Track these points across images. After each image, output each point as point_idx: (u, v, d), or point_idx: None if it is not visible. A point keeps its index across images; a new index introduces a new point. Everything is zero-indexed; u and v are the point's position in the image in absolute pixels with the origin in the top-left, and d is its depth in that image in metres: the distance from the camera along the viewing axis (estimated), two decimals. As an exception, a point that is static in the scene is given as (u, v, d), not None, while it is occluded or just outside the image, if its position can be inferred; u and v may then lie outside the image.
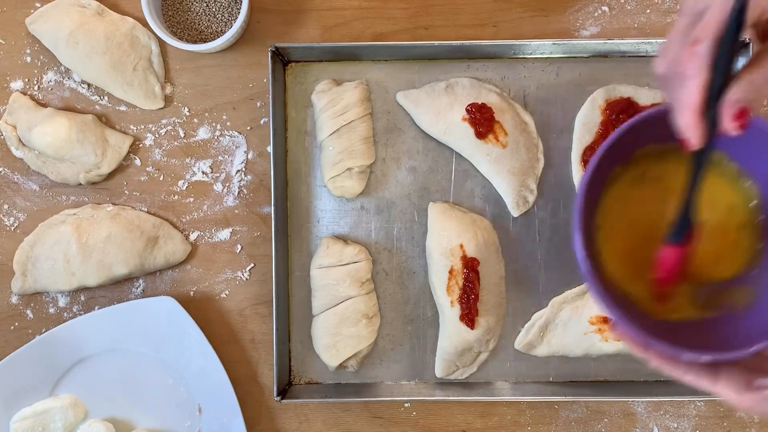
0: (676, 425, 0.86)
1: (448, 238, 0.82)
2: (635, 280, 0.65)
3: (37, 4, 0.87)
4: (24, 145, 0.85)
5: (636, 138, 0.60)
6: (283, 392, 0.83)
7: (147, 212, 0.87)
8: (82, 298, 0.87)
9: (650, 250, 0.63)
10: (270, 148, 0.83)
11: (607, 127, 0.84)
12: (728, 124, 0.49)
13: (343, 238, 0.86)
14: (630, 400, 0.85)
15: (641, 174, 0.65)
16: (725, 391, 0.55)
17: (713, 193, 0.63)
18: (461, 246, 0.82)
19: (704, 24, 0.48)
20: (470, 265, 0.81)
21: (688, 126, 0.49)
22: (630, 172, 0.65)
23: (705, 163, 0.55)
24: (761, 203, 0.64)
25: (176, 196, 0.87)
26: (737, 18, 0.47)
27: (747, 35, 0.63)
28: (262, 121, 0.87)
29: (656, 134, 0.59)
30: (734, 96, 0.49)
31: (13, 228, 0.87)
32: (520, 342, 0.85)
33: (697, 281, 0.64)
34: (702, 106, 0.48)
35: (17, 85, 0.87)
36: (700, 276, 0.64)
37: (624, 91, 0.84)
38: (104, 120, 0.87)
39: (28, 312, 0.87)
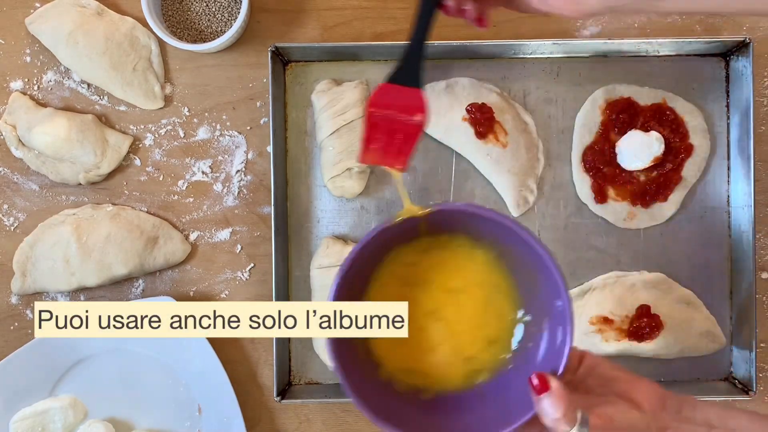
0: (676, 425, 0.86)
1: (448, 238, 0.82)
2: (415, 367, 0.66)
3: (37, 4, 0.87)
4: (24, 145, 0.85)
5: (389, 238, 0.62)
6: (283, 392, 0.83)
7: (147, 212, 0.87)
8: (82, 298, 0.87)
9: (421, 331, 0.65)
10: (270, 148, 0.83)
11: (607, 127, 0.84)
12: None
13: (343, 238, 0.86)
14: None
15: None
16: None
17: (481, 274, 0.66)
18: (461, 246, 0.81)
19: None
20: (470, 265, 0.81)
21: None
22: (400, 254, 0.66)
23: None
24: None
25: (176, 196, 0.87)
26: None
27: None
28: (261, 121, 0.87)
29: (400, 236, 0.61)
30: None
31: (12, 228, 0.87)
32: (519, 342, 0.85)
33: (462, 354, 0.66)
34: None
35: (17, 84, 0.87)
36: (464, 348, 0.66)
37: (624, 91, 0.84)
38: (104, 120, 0.87)
39: (28, 312, 0.87)
